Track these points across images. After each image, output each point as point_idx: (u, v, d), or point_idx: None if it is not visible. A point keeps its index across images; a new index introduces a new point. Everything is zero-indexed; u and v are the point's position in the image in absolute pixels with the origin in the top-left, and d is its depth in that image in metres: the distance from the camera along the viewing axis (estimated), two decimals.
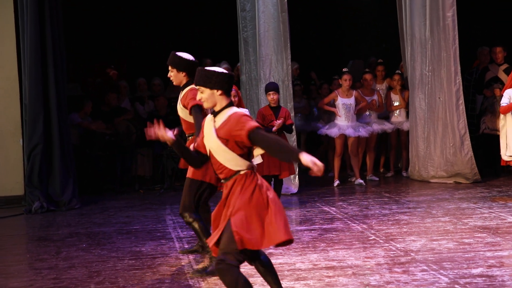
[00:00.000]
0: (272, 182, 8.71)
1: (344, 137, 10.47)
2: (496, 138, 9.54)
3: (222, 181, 4.41)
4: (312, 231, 7.29)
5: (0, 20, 9.83)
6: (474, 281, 5.25)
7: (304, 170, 11.90)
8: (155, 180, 11.33)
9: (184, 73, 6.19)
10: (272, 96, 8.68)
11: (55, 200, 9.38)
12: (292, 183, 9.84)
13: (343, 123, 10.48)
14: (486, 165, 10.80)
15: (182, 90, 6.21)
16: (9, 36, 9.81)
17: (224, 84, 4.36)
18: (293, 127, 9.26)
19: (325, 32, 14.44)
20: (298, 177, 9.90)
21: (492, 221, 7.41)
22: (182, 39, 13.32)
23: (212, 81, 4.35)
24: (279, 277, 5.54)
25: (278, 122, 8.50)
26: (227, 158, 4.29)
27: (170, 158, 10.80)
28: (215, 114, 4.40)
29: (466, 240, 6.57)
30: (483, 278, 5.32)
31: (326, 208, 8.60)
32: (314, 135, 11.83)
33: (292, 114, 9.98)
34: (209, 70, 4.40)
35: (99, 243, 7.15)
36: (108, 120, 11.15)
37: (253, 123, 4.24)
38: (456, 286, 5.14)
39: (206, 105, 4.41)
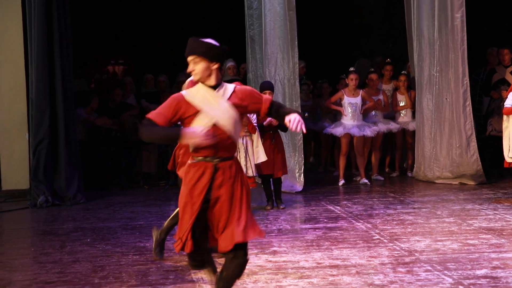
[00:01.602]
0: (271, 181, 8.72)
1: (350, 136, 10.46)
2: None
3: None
4: (317, 230, 7.29)
5: (8, 16, 9.85)
6: (478, 282, 5.24)
7: (309, 169, 11.94)
8: (160, 176, 11.34)
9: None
10: (267, 95, 8.63)
11: (60, 194, 9.40)
12: (297, 182, 9.84)
13: (348, 123, 10.47)
14: (491, 166, 10.78)
15: None
16: (17, 32, 9.82)
17: (222, 59, 4.21)
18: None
19: (331, 31, 14.42)
20: (303, 176, 9.89)
21: (497, 222, 7.39)
22: (188, 36, 13.32)
23: (211, 53, 4.14)
24: (283, 275, 5.56)
25: (270, 118, 8.48)
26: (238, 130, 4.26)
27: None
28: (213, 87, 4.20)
29: (471, 241, 6.56)
30: (487, 280, 5.30)
31: (330, 207, 8.60)
32: (319, 134, 11.85)
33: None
34: (207, 42, 4.18)
35: (103, 238, 7.16)
36: (114, 116, 11.17)
37: (267, 96, 4.43)
38: (460, 287, 5.13)
39: (196, 77, 4.17)
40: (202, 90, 4.20)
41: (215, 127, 4.13)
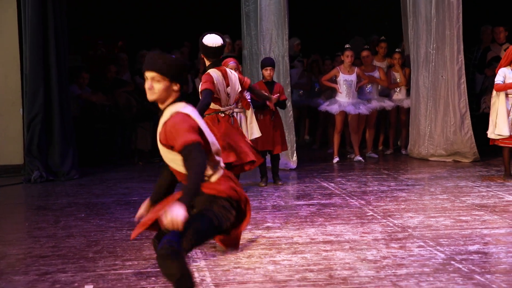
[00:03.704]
0: (268, 158, 8.73)
1: (344, 114, 10.46)
2: None
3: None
4: (311, 206, 7.32)
5: None
6: (470, 257, 5.28)
7: (304, 146, 11.95)
8: (155, 153, 11.32)
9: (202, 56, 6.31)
10: (269, 72, 8.66)
11: (54, 170, 9.39)
12: (290, 160, 9.84)
13: (344, 100, 10.46)
14: (485, 144, 10.78)
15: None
16: (11, 6, 9.76)
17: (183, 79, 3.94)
18: (287, 102, 9.24)
19: (328, 8, 14.36)
20: (297, 154, 9.88)
21: (489, 199, 7.43)
22: (183, 12, 13.27)
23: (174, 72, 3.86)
24: (277, 250, 5.59)
25: (274, 96, 8.48)
26: None
27: None
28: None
29: (464, 218, 6.59)
30: (479, 255, 5.34)
31: (324, 184, 8.62)
32: (315, 111, 11.83)
33: (289, 90, 9.94)
34: (171, 58, 3.87)
35: (97, 213, 7.18)
36: (108, 92, 11.14)
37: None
38: (452, 262, 5.17)
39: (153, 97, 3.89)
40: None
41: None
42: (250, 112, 8.18)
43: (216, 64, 6.68)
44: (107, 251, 5.69)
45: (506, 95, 8.39)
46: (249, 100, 8.13)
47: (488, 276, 4.83)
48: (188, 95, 11.70)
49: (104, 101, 10.98)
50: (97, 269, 5.21)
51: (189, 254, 5.50)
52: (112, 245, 5.85)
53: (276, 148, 8.67)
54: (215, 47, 6.56)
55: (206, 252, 5.58)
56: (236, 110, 7.95)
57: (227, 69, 6.85)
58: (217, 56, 6.64)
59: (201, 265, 5.24)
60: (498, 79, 8.40)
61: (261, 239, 5.97)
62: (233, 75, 6.85)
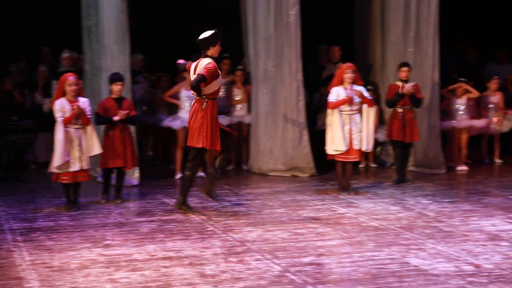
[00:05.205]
0: (115, 175, 8.59)
1: (187, 130, 10.50)
2: None
3: None
4: (152, 223, 7.30)
5: None
6: (304, 269, 5.49)
7: (147, 163, 11.86)
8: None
9: None
10: (120, 87, 8.51)
11: None
12: (132, 176, 9.73)
13: (186, 116, 10.52)
14: (321, 159, 11.24)
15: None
16: None
17: None
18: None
19: (172, 23, 14.44)
20: (140, 170, 9.81)
21: (324, 212, 7.77)
22: (23, 25, 12.84)
23: None
24: (116, 268, 5.52)
25: (123, 112, 8.38)
26: None
27: (6, 148, 10.40)
28: None
29: (299, 231, 6.85)
30: (313, 266, 5.57)
31: (166, 200, 8.63)
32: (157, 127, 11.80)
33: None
34: None
35: None
36: None
37: None
38: (287, 274, 5.36)
39: None
40: None
41: None
42: (90, 128, 8.05)
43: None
44: None
45: (340, 112, 8.81)
46: (89, 116, 7.99)
47: (320, 286, 5.05)
48: (26, 110, 11.30)
49: None
50: None
51: (21, 275, 5.33)
52: None
53: (128, 164, 8.55)
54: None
55: (41, 271, 5.42)
56: (76, 126, 7.86)
57: (201, 61, 7.73)
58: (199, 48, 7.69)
59: (34, 286, 5.07)
60: (331, 97, 8.81)
61: (100, 257, 5.88)
62: (198, 67, 7.70)
